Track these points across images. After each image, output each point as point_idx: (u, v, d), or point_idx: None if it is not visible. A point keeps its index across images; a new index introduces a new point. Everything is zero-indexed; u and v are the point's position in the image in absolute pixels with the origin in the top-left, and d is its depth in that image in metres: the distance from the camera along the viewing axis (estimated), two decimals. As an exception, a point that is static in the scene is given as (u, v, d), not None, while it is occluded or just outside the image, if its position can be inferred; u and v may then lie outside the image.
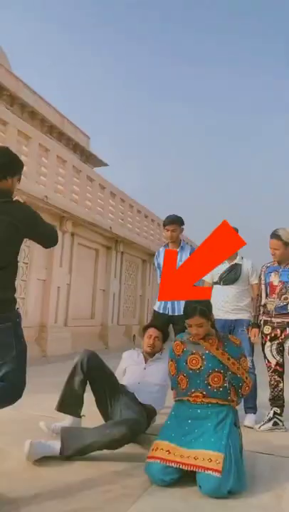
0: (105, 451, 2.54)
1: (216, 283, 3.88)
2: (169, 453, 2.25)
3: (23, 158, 7.92)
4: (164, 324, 3.81)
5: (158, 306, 4.02)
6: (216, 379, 2.40)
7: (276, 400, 3.43)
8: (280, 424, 3.42)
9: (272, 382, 3.44)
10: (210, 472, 2.11)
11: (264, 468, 2.57)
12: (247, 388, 2.47)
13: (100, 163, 23.85)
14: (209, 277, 3.97)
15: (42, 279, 8.67)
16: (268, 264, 3.58)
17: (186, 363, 2.47)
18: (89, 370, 2.83)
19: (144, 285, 13.85)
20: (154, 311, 4.05)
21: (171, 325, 3.84)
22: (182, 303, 3.83)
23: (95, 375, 2.86)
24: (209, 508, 2.01)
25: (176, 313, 3.82)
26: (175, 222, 3.95)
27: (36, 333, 8.46)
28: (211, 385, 2.39)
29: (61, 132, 20.64)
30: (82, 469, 2.40)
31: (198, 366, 2.43)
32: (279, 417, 3.43)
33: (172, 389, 2.60)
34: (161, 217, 15.02)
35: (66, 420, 2.85)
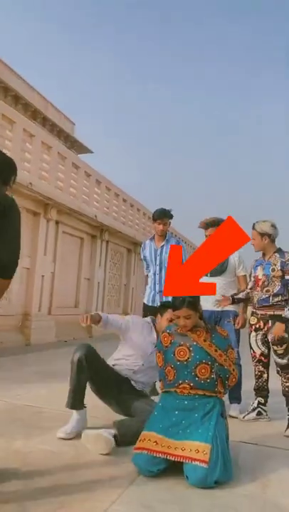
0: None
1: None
2: (157, 444, 2.26)
3: (6, 143, 7.76)
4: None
5: (147, 298, 4.02)
6: (203, 370, 2.40)
7: (260, 390, 3.48)
8: (264, 414, 3.48)
9: (256, 373, 3.49)
10: (197, 463, 2.13)
11: (249, 458, 2.60)
12: (234, 380, 2.49)
13: (85, 150, 23.56)
14: (196, 268, 3.98)
15: (26, 267, 8.57)
16: (257, 258, 3.61)
17: (174, 355, 2.46)
18: (91, 365, 2.83)
19: (128, 274, 13.84)
20: (144, 303, 4.06)
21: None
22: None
23: (95, 370, 2.88)
24: (196, 498, 2.02)
25: None
26: (166, 216, 3.96)
27: (20, 321, 8.39)
28: (198, 377, 2.40)
29: (45, 118, 20.27)
30: (69, 460, 2.39)
31: (186, 358, 2.43)
32: (263, 407, 3.49)
33: (159, 380, 2.60)
34: (148, 207, 14.97)
35: (74, 415, 2.82)
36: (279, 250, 3.45)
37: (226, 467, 2.20)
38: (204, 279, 3.82)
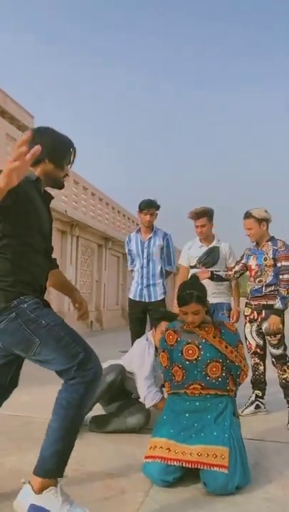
0: (91, 451, 2.34)
1: (193, 267, 3.74)
2: (170, 451, 2.10)
3: None
4: (141, 312, 3.65)
5: (133, 294, 3.83)
6: (214, 369, 2.26)
7: (257, 383, 3.39)
8: (262, 406, 3.40)
9: (252, 365, 3.39)
10: (216, 469, 1.99)
11: (258, 456, 2.49)
12: (245, 376, 2.36)
13: (28, 114, 22.75)
14: (186, 261, 3.83)
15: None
16: (250, 247, 3.50)
17: (182, 354, 2.30)
18: (119, 388, 2.88)
19: (100, 270, 13.57)
20: (130, 299, 3.86)
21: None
22: (158, 289, 3.74)
23: (118, 393, 2.92)
24: (221, 508, 1.88)
25: (152, 300, 3.68)
26: (153, 206, 3.76)
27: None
28: (209, 376, 2.25)
29: (4, 111, 19.47)
30: (72, 473, 2.18)
31: (195, 356, 2.28)
32: (261, 400, 3.41)
33: (164, 382, 2.43)
34: (123, 203, 14.71)
35: None
36: (272, 238, 3.34)
37: (245, 470, 2.08)
38: (196, 271, 3.69)
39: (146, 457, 2.13)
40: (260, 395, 3.41)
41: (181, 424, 2.19)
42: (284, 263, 3.19)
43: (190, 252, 3.78)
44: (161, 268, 3.79)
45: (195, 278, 2.46)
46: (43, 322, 1.68)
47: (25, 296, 1.72)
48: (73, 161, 1.93)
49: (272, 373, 3.38)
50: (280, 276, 3.18)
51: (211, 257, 3.63)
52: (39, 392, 3.87)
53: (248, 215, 3.33)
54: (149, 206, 3.73)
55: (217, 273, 3.46)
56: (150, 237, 3.79)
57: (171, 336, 2.40)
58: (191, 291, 2.27)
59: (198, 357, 2.27)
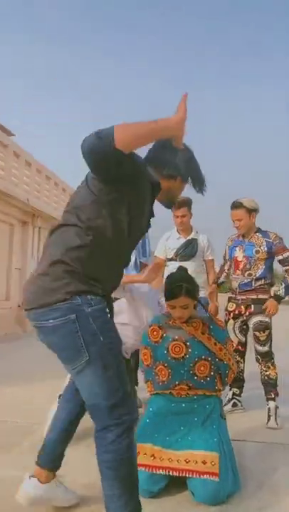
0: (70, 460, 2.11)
1: (170, 259, 3.57)
2: (155, 458, 1.91)
3: None
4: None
5: None
6: (202, 368, 2.09)
7: (236, 380, 3.27)
8: (239, 404, 3.30)
9: None
10: (206, 477, 1.83)
11: (242, 458, 2.35)
12: (232, 375, 2.22)
13: (5, 131, 21.88)
14: (162, 253, 3.65)
15: None
16: (233, 237, 3.35)
17: (168, 351, 2.12)
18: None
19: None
20: None
21: None
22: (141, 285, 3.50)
23: None
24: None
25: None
26: None
27: None
28: (197, 375, 2.08)
29: None
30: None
31: (182, 354, 2.10)
32: (238, 398, 3.30)
33: (146, 381, 2.24)
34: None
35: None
36: (260, 230, 3.22)
37: (235, 476, 1.94)
38: (173, 264, 3.52)
39: (129, 465, 1.93)
40: (238, 392, 3.31)
41: (166, 428, 2.01)
42: (285, 254, 3.10)
43: (167, 243, 3.61)
44: (136, 259, 3.53)
45: (184, 270, 2.27)
46: (102, 339, 1.42)
47: (93, 296, 1.44)
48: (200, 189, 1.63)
49: (248, 369, 3.29)
50: (286, 267, 3.09)
51: (189, 250, 3.48)
52: (6, 393, 3.58)
53: (237, 205, 3.14)
54: None
55: (220, 281, 3.33)
56: None
57: (155, 332, 2.20)
58: (181, 284, 2.09)
59: (185, 355, 2.10)
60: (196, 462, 1.87)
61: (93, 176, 1.43)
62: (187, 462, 1.88)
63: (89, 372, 1.41)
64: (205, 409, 2.06)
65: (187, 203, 3.53)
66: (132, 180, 1.43)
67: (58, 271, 1.43)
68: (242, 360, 3.27)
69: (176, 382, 2.09)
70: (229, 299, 3.28)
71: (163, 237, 3.68)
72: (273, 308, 3.07)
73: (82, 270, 1.43)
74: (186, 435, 1.98)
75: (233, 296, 3.25)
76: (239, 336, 3.23)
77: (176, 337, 2.13)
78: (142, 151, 1.55)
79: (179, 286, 2.07)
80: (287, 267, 3.10)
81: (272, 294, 3.12)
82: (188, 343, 2.11)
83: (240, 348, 3.24)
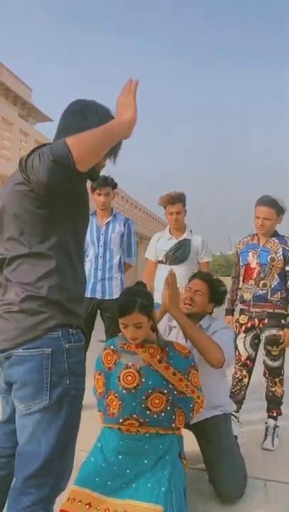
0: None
1: (161, 262, 3.26)
2: (90, 507, 1.65)
3: None
4: (89, 313, 3.12)
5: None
6: (156, 401, 1.79)
7: (235, 394, 2.94)
8: (235, 420, 2.96)
9: (237, 375, 2.93)
10: (144, 536, 1.55)
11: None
12: (200, 408, 1.90)
13: (44, 117, 22.04)
14: (153, 255, 3.34)
15: None
16: (245, 240, 2.93)
17: (120, 380, 1.83)
18: None
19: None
20: None
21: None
22: (115, 285, 3.14)
23: None
24: None
25: (106, 298, 3.14)
26: (108, 184, 3.08)
27: None
28: (150, 410, 1.79)
29: (-2, 81, 18.66)
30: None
31: (135, 384, 1.80)
32: (235, 414, 2.97)
33: (99, 411, 1.97)
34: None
35: None
36: (276, 234, 2.82)
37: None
38: (162, 268, 3.21)
39: (62, 511, 1.68)
40: (236, 408, 2.98)
41: (110, 471, 1.74)
42: None
43: (158, 245, 3.29)
44: (120, 259, 3.22)
45: (142, 284, 1.97)
46: (67, 382, 1.24)
47: (74, 331, 1.29)
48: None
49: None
50: None
51: (179, 253, 3.14)
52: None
53: (269, 203, 2.72)
54: (103, 184, 3.05)
55: (236, 304, 2.96)
56: (108, 222, 3.18)
57: (109, 357, 1.92)
58: (134, 298, 1.78)
59: (138, 385, 1.80)
60: (136, 515, 1.60)
61: (29, 194, 1.20)
62: (126, 515, 1.61)
63: (41, 418, 1.21)
64: (157, 450, 1.77)
65: (182, 199, 3.18)
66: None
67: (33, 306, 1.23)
68: (247, 376, 2.91)
69: (126, 416, 1.80)
70: (242, 311, 2.88)
71: (154, 238, 3.37)
72: (288, 338, 2.72)
73: (69, 293, 1.28)
74: (131, 481, 1.71)
75: (246, 308, 2.84)
76: (249, 351, 2.86)
77: (130, 364, 1.84)
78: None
79: (133, 300, 1.77)
80: None
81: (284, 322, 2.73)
82: (141, 372, 1.81)
83: (248, 362, 2.88)
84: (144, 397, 1.79)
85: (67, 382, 1.23)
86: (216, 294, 2.27)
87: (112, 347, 1.94)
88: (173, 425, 1.83)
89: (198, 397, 1.88)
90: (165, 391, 1.80)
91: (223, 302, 2.37)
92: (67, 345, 1.25)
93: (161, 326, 2.31)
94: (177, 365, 1.83)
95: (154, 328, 1.87)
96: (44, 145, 1.20)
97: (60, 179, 1.11)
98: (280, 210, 2.74)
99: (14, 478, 1.27)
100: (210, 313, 2.31)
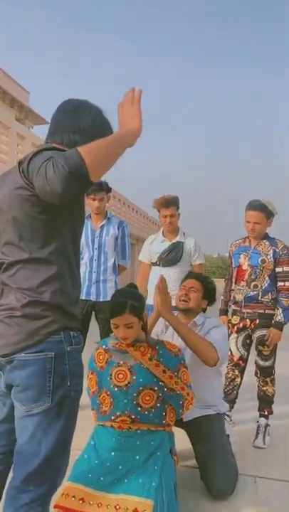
0: None
1: (154, 264, 3.31)
2: (83, 502, 1.69)
3: None
4: (84, 314, 3.16)
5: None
6: (147, 398, 1.85)
7: (228, 394, 2.99)
8: (228, 419, 3.02)
9: (229, 375, 2.99)
10: (135, 529, 1.59)
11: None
12: (190, 405, 1.95)
13: (41, 120, 22.13)
14: (147, 257, 3.40)
15: None
16: (237, 243, 2.99)
17: (111, 378, 1.89)
18: None
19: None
20: None
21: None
22: (110, 287, 3.18)
23: None
24: None
25: (100, 300, 3.17)
26: (102, 188, 3.12)
27: None
28: (141, 406, 1.84)
29: (-5, 84, 18.73)
30: None
31: (126, 382, 1.86)
32: (228, 413, 3.02)
33: (92, 409, 2.02)
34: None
35: None
36: (267, 236, 2.87)
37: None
38: (156, 270, 3.27)
39: (55, 507, 1.73)
40: (229, 408, 3.03)
41: (103, 467, 1.79)
42: (286, 268, 2.76)
43: (151, 247, 3.34)
44: (115, 262, 3.27)
45: (132, 285, 2.03)
46: (68, 383, 1.26)
47: (75, 333, 1.31)
48: None
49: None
50: (281, 283, 2.77)
51: (172, 255, 3.20)
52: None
53: (259, 207, 2.77)
54: (97, 190, 3.08)
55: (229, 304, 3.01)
56: (103, 225, 3.22)
57: (101, 356, 1.97)
58: (125, 300, 1.84)
59: (129, 383, 1.85)
60: (127, 509, 1.64)
61: (31, 199, 1.20)
62: (117, 509, 1.65)
63: (41, 419, 1.23)
64: (149, 446, 1.82)
65: (175, 202, 3.24)
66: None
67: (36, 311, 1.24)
68: (240, 376, 2.97)
69: (118, 413, 1.85)
70: (234, 312, 2.94)
71: (147, 240, 3.43)
72: (277, 338, 2.77)
73: (69, 296, 1.29)
74: (123, 476, 1.75)
75: (238, 309, 2.90)
76: (241, 351, 2.92)
77: (121, 362, 1.89)
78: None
79: (123, 302, 1.83)
80: (283, 283, 2.76)
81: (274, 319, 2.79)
82: (133, 370, 1.87)
83: (240, 362, 2.94)
84: (135, 394, 1.84)
85: (68, 384, 1.26)
86: (208, 291, 2.37)
87: (104, 346, 1.99)
88: (164, 422, 1.88)
89: (187, 394, 1.93)
90: (156, 388, 1.85)
91: (215, 299, 2.45)
92: (68, 348, 1.26)
93: (158, 326, 2.38)
94: (167, 362, 1.89)
95: (144, 328, 1.93)
96: (45, 149, 1.19)
97: (74, 190, 1.10)
98: (269, 214, 2.81)
99: (12, 477, 1.29)
100: (204, 310, 2.38)
